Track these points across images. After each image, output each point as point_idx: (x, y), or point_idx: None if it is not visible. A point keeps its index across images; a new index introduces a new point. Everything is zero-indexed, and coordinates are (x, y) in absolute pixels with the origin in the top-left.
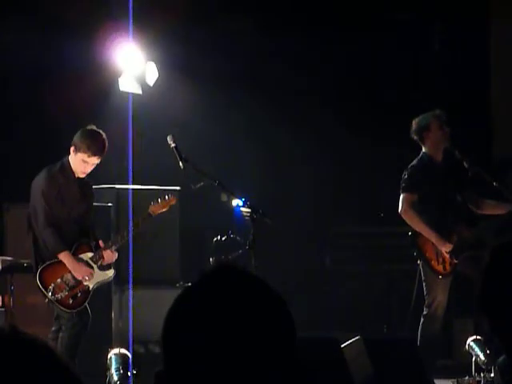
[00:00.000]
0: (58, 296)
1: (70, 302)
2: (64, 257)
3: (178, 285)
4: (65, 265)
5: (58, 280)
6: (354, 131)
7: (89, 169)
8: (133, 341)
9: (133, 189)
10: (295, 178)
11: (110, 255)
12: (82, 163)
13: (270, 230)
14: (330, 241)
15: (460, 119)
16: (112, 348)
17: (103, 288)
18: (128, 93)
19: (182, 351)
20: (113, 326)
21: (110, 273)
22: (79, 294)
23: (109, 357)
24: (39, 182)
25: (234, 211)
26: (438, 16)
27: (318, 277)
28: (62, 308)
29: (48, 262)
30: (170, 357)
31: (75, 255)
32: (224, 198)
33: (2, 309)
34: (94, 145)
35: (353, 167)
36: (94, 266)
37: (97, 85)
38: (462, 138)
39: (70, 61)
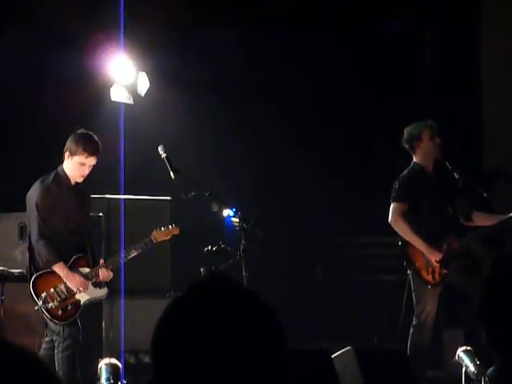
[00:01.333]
0: (49, 305)
1: (60, 313)
2: (58, 268)
3: (168, 295)
4: (59, 276)
5: (51, 290)
6: (344, 142)
7: (87, 171)
8: (123, 351)
9: (124, 199)
10: (286, 188)
11: (105, 274)
12: (79, 167)
13: (261, 241)
14: (320, 251)
15: (451, 129)
16: (102, 358)
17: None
18: (119, 103)
19: (172, 361)
20: (103, 335)
21: (104, 291)
22: (69, 307)
23: (99, 367)
24: (33, 194)
25: (224, 221)
26: (429, 27)
27: (309, 287)
28: (50, 318)
29: (43, 271)
30: (160, 366)
31: (72, 268)
32: (215, 208)
33: None
34: (89, 145)
35: (343, 178)
36: (89, 282)
37: (88, 95)
38: (453, 149)
39: (61, 71)
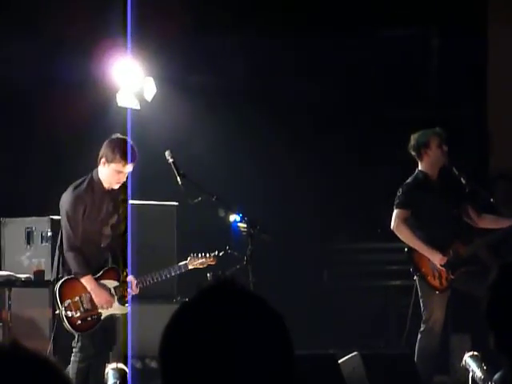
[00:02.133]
0: (69, 314)
1: (78, 323)
2: (86, 281)
3: (175, 300)
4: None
5: (76, 298)
6: (351, 147)
7: (123, 178)
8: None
9: (131, 204)
10: (293, 194)
11: (133, 291)
12: (116, 174)
13: (268, 246)
14: (327, 256)
15: (457, 133)
16: (109, 363)
17: None
18: (126, 108)
19: (180, 366)
20: None
21: (125, 310)
22: (89, 319)
23: (106, 372)
24: (64, 202)
25: (231, 226)
26: (435, 31)
27: (316, 292)
28: (68, 326)
29: (71, 276)
30: (167, 372)
31: (100, 279)
32: (221, 213)
33: (0, 323)
34: (126, 151)
35: (350, 183)
36: (115, 297)
37: (95, 100)
38: (459, 153)
39: (67, 76)
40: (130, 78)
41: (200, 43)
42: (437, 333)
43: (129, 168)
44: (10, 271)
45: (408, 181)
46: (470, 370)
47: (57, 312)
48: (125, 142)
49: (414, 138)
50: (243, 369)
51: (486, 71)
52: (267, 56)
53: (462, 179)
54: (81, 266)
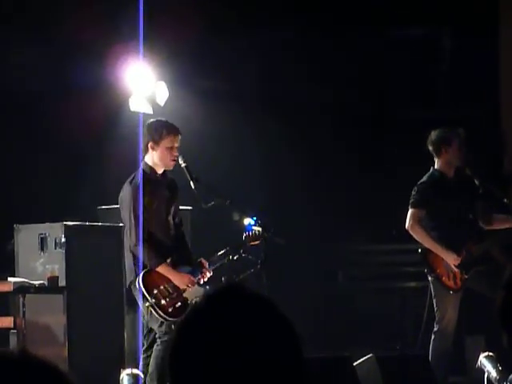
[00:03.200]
0: (161, 302)
1: (170, 310)
2: (163, 269)
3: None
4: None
5: (161, 287)
6: (366, 149)
7: (176, 153)
8: None
9: None
10: (307, 195)
11: (208, 275)
12: (168, 152)
13: (282, 248)
14: (342, 258)
15: (471, 133)
16: (124, 368)
17: (116, 308)
18: (139, 113)
19: (188, 371)
20: (125, 346)
21: (208, 290)
22: (178, 305)
23: (121, 377)
24: (125, 196)
25: (245, 230)
26: (447, 31)
27: (331, 294)
28: (161, 314)
29: (148, 270)
30: (176, 377)
31: (173, 267)
32: (235, 217)
33: (14, 330)
34: (170, 126)
35: (366, 184)
36: (195, 280)
37: (108, 105)
38: (473, 153)
39: (81, 81)
40: (142, 83)
41: (211, 47)
42: (450, 333)
43: (178, 140)
44: (24, 278)
45: (423, 179)
46: (486, 370)
47: (146, 305)
48: (162, 119)
49: (434, 134)
50: (251, 372)
51: (498, 72)
52: (280, 60)
53: (475, 180)
54: (155, 256)
